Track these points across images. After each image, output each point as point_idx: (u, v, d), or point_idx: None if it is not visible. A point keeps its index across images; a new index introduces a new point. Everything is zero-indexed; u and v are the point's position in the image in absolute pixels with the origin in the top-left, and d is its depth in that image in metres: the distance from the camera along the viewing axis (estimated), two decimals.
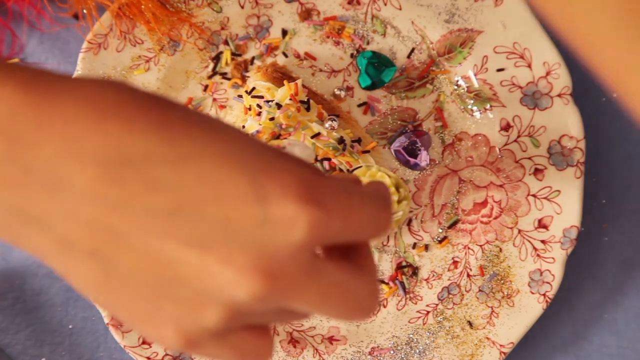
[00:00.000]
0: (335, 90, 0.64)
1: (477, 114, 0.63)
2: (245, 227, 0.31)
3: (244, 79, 0.64)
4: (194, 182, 0.31)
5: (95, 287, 0.33)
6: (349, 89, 0.64)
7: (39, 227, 0.32)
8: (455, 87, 0.64)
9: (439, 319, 0.63)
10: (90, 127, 0.31)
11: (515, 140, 0.63)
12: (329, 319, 0.63)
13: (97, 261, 0.32)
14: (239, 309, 0.32)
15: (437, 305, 0.63)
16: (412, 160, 0.64)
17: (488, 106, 0.63)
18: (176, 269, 0.31)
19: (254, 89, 0.60)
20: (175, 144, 0.32)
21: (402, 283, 0.63)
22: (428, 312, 0.63)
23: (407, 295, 0.63)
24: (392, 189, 0.55)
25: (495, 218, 0.63)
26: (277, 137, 0.59)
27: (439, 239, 0.64)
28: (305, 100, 0.60)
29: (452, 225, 0.64)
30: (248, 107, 0.60)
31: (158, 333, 0.33)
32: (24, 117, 0.31)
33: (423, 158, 0.64)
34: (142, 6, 0.62)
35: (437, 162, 0.64)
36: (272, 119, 0.59)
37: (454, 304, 0.63)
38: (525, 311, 0.62)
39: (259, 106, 0.59)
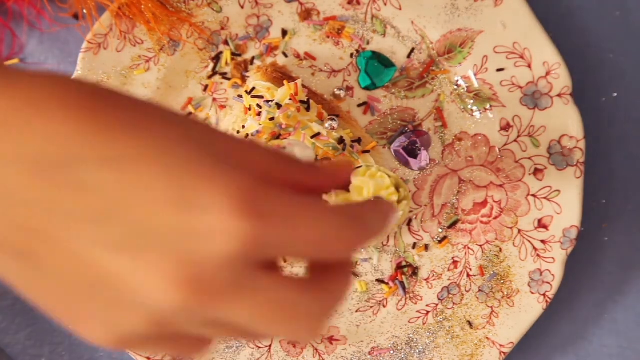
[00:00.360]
0: (335, 90, 0.64)
1: (477, 114, 0.63)
2: (168, 235, 0.30)
3: (244, 79, 0.64)
4: (122, 186, 0.30)
5: (25, 286, 0.32)
6: (349, 89, 0.64)
7: None
8: (455, 87, 0.64)
9: (439, 319, 0.63)
10: (24, 126, 0.30)
11: (515, 140, 0.63)
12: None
13: (26, 261, 0.31)
14: (161, 317, 0.31)
15: (437, 305, 0.63)
16: (412, 160, 0.64)
17: (488, 106, 0.63)
18: (102, 272, 0.31)
19: (253, 89, 0.60)
20: (111, 145, 0.31)
21: (402, 283, 0.63)
22: (428, 312, 0.63)
23: (407, 295, 0.63)
24: (392, 189, 0.55)
25: (495, 218, 0.63)
26: (277, 137, 0.59)
27: (439, 239, 0.64)
28: (305, 100, 0.60)
29: (452, 225, 0.64)
30: (248, 107, 0.60)
31: (88, 332, 0.33)
32: None
33: (423, 158, 0.64)
34: (142, 6, 0.62)
35: (437, 162, 0.64)
36: (272, 118, 0.59)
37: (453, 304, 0.63)
38: (525, 311, 0.62)
39: (259, 106, 0.59)
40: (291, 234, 0.31)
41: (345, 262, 0.35)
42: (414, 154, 0.64)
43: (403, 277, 0.63)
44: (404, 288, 0.63)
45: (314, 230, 0.32)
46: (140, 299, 0.31)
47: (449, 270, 0.63)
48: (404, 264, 0.64)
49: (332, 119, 0.59)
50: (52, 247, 0.31)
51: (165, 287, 0.30)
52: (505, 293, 0.62)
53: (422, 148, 0.64)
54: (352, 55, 0.64)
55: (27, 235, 0.31)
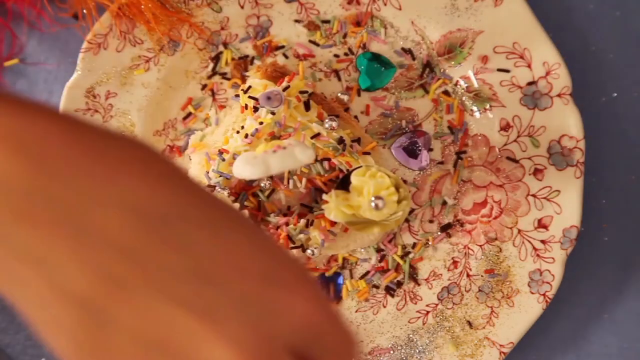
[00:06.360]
0: (339, 94, 0.64)
1: (477, 114, 0.63)
2: (262, 312, 0.31)
3: (243, 79, 0.64)
4: (224, 253, 0.30)
5: (74, 340, 0.30)
6: (349, 89, 0.64)
7: (38, 267, 0.29)
8: (455, 87, 0.64)
9: (438, 319, 0.63)
10: (130, 178, 0.30)
11: (515, 140, 0.63)
12: None
13: (87, 311, 0.30)
14: None
15: (436, 305, 0.63)
16: (412, 160, 0.64)
17: (488, 106, 0.63)
18: (177, 337, 0.30)
19: (250, 87, 0.60)
20: (208, 209, 0.31)
21: (400, 283, 0.63)
22: (428, 312, 0.63)
23: (407, 295, 0.64)
24: (392, 189, 0.54)
25: (495, 218, 0.63)
26: (278, 137, 0.59)
27: (438, 239, 0.64)
28: (307, 91, 0.60)
29: (451, 225, 0.64)
30: (244, 105, 0.60)
31: None
32: (62, 149, 0.29)
33: (423, 158, 0.64)
34: (142, 6, 0.62)
35: (437, 162, 0.64)
36: (273, 113, 0.58)
37: (453, 304, 0.63)
38: (525, 311, 0.62)
39: (254, 99, 0.59)
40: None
41: None
42: (414, 154, 0.64)
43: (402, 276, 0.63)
44: (408, 279, 0.63)
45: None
46: None
47: (448, 270, 0.63)
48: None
49: (332, 119, 0.59)
50: (126, 300, 0.29)
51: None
52: (505, 293, 0.62)
53: (422, 148, 0.64)
54: (351, 54, 0.64)
55: (102, 282, 0.29)
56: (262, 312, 0.31)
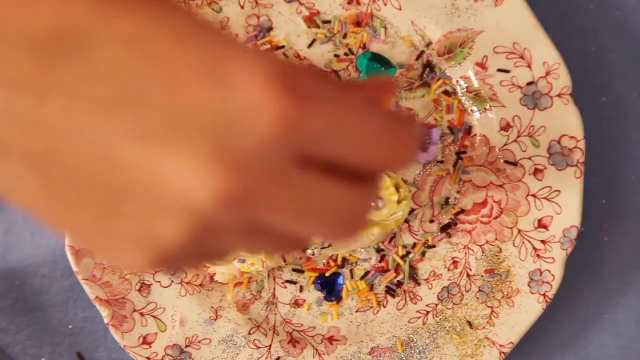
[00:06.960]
0: None
1: (477, 114, 0.63)
2: (203, 116, 0.26)
3: None
4: (142, 67, 0.26)
5: (37, 201, 0.27)
6: None
7: None
8: (455, 87, 0.64)
9: (438, 319, 0.63)
10: (15, 2, 0.25)
11: (515, 140, 0.63)
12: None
13: (34, 167, 0.26)
14: (203, 218, 0.27)
15: (436, 305, 0.63)
16: (421, 153, 0.63)
17: (488, 106, 0.63)
18: (124, 172, 0.26)
19: None
20: (119, 22, 0.26)
21: (400, 282, 0.63)
22: (428, 312, 0.63)
23: (407, 295, 0.64)
24: (392, 189, 0.55)
25: (495, 218, 0.63)
26: None
27: (438, 239, 0.64)
28: None
29: (448, 226, 0.64)
30: None
31: (119, 257, 0.28)
32: None
33: (431, 152, 0.63)
34: None
35: (436, 161, 0.64)
36: None
37: (453, 304, 0.63)
38: (525, 311, 0.62)
39: None
40: (335, 124, 0.27)
41: (375, 175, 0.31)
42: (422, 147, 0.63)
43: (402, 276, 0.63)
44: (409, 277, 0.63)
45: (361, 124, 0.28)
46: (175, 195, 0.26)
47: (448, 270, 0.63)
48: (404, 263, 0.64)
49: None
50: (63, 145, 0.26)
51: (204, 174, 0.26)
52: (505, 293, 0.62)
53: (431, 142, 0.64)
54: (351, 54, 0.64)
55: (32, 132, 0.26)
56: (217, 121, 0.26)
